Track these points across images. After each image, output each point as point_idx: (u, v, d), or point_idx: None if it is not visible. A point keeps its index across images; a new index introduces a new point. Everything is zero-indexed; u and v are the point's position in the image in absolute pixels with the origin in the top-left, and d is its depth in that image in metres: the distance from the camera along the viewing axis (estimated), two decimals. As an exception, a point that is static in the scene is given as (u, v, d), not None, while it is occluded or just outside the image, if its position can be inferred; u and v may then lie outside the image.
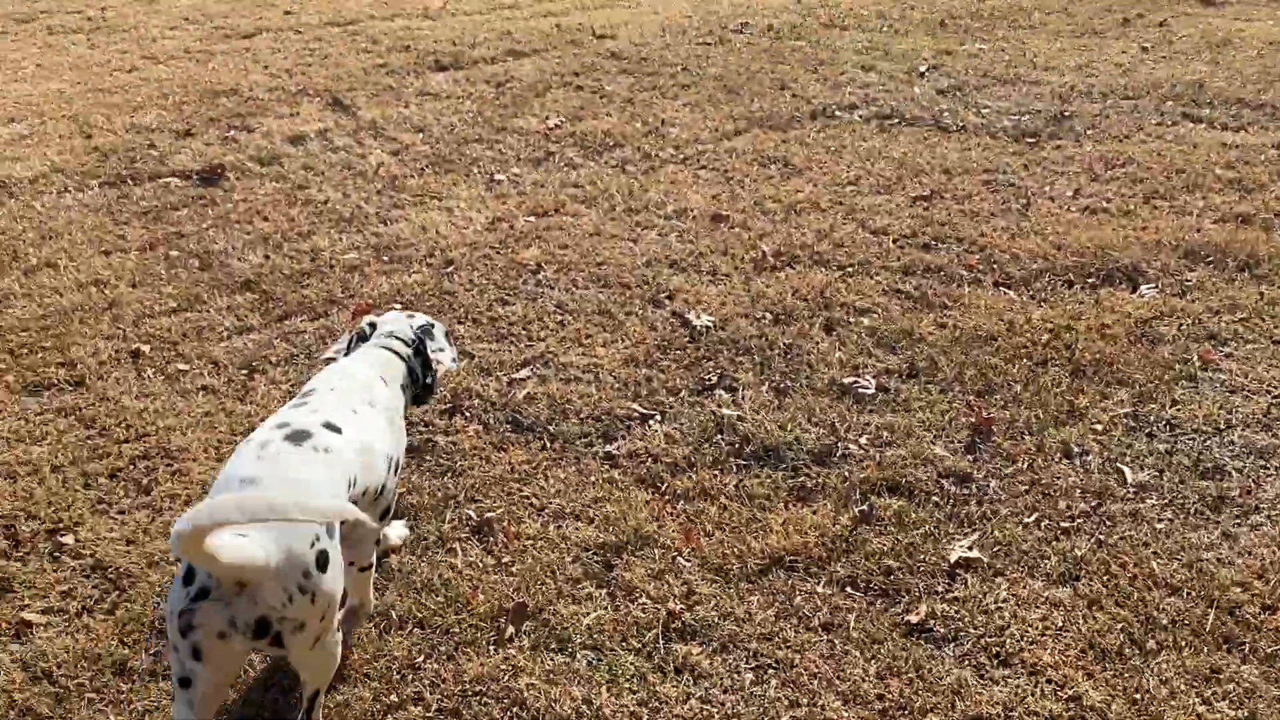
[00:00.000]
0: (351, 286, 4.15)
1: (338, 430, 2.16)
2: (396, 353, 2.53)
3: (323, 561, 1.92)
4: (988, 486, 2.83)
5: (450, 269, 4.28)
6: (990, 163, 4.92)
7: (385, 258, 4.39)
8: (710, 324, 3.72)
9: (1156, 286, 3.77)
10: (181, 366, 3.58)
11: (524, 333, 3.74)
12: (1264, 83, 5.60)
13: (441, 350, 2.64)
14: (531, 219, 4.67)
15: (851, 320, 3.70)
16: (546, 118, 5.97)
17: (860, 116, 5.65)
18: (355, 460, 2.15)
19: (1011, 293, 3.83)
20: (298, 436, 2.09)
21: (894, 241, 4.26)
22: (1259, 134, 5.00)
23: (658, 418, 3.20)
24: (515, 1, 8.66)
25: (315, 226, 4.72)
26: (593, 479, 2.93)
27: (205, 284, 4.17)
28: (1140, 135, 5.11)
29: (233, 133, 5.97)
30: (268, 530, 1.83)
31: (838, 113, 5.73)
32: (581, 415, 3.23)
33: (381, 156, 5.53)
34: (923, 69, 6.30)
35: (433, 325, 2.68)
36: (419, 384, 2.58)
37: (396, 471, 2.37)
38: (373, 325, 2.62)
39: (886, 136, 5.36)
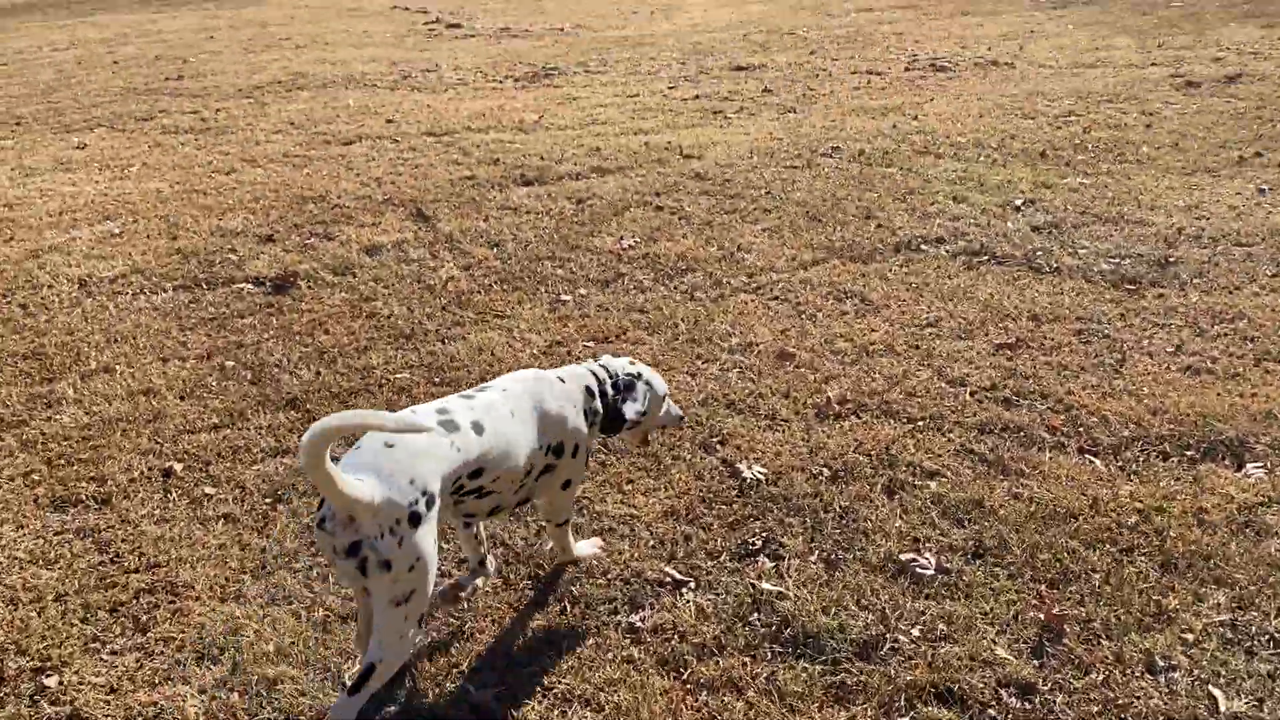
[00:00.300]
0: (396, 409, 4.03)
1: (470, 426, 2.47)
2: (593, 373, 2.89)
3: (415, 518, 2.25)
4: (1054, 702, 2.47)
5: (499, 396, 4.13)
6: (1084, 310, 4.58)
7: (436, 379, 4.27)
8: (762, 476, 3.46)
9: (1265, 466, 3.36)
10: (208, 490, 3.47)
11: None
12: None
13: (631, 402, 2.88)
14: (590, 344, 4.51)
15: (917, 483, 3.39)
16: (621, 237, 5.87)
17: (947, 251, 5.39)
18: (473, 448, 2.46)
19: (1098, 462, 3.47)
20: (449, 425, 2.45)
21: (971, 394, 3.95)
22: (1389, 292, 4.57)
23: (691, 585, 2.94)
24: (609, 118, 8.71)
25: (373, 342, 4.64)
26: (610, 655, 2.67)
27: (252, 399, 4.10)
28: (1253, 287, 4.71)
29: (313, 240, 6.02)
30: (379, 480, 2.22)
31: (923, 246, 5.47)
32: (610, 576, 2.99)
33: (453, 270, 5.48)
34: (1018, 203, 6.02)
35: (636, 380, 2.92)
36: (605, 414, 2.86)
37: (555, 455, 2.71)
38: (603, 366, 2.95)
39: (973, 275, 5.07)
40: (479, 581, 2.96)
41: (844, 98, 8.95)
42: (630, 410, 2.86)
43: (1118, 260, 5.08)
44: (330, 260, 5.67)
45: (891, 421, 3.78)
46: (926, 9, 13.55)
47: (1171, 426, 3.62)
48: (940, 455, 3.54)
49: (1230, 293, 4.68)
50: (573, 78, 10.68)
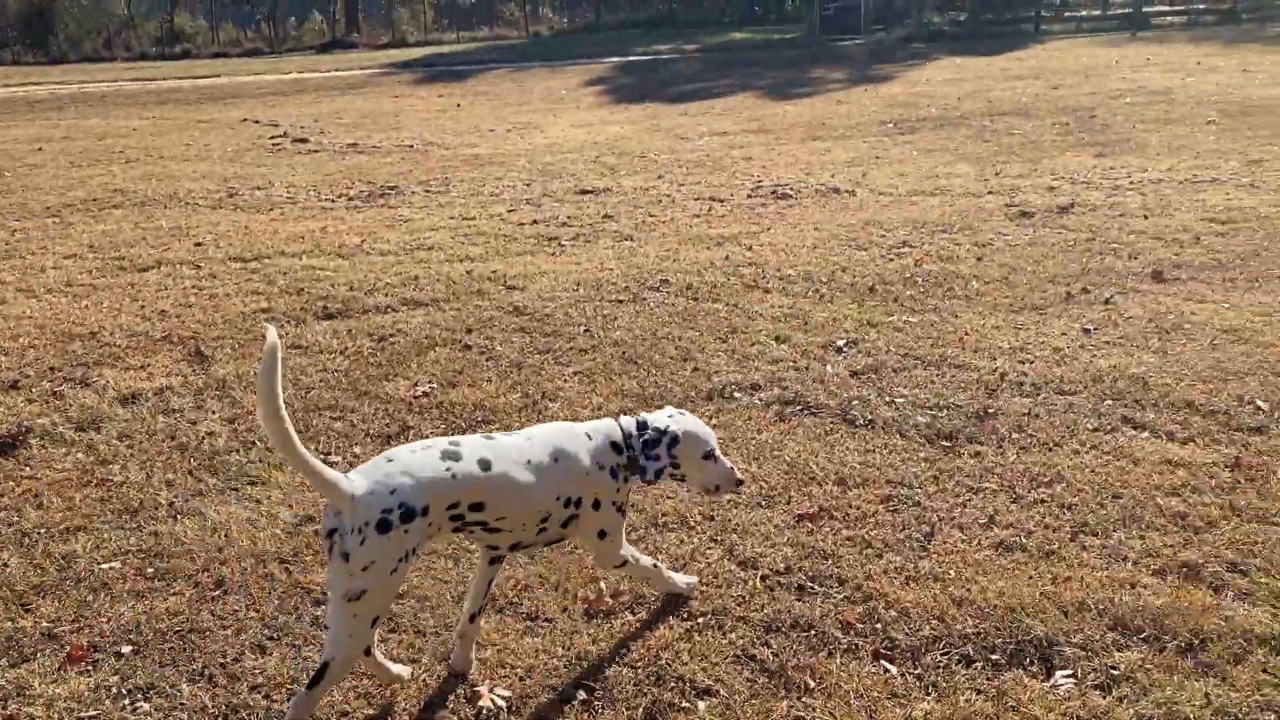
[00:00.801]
0: (84, 616, 3.34)
1: (475, 461, 2.66)
2: (621, 427, 2.96)
3: (383, 525, 2.45)
4: None
5: (219, 592, 3.48)
6: (895, 471, 4.21)
7: (149, 570, 3.61)
8: (504, 703, 2.89)
9: (1074, 675, 2.95)
10: None
11: (284, 694, 2.91)
12: (1215, 381, 4.97)
13: (651, 460, 2.91)
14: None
15: (685, 705, 2.87)
16: (417, 382, 5.34)
17: (761, 400, 5.00)
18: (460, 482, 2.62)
19: (893, 669, 3.01)
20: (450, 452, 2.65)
21: (762, 579, 3.48)
22: (1208, 449, 4.32)
23: None
24: (437, 243, 8.26)
25: (90, 520, 3.96)
26: None
27: (-98, 604, 3.36)
28: (1073, 443, 4.42)
29: (65, 386, 5.33)
30: (365, 482, 2.49)
31: (737, 393, 5.08)
32: None
33: (214, 424, 4.84)
34: (841, 343, 5.72)
35: (660, 437, 2.93)
36: (633, 460, 2.92)
37: (573, 506, 2.83)
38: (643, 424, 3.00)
39: (784, 428, 4.68)
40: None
41: (683, 225, 8.70)
42: (651, 468, 2.92)
43: (935, 412, 4.76)
44: (76, 413, 4.97)
45: (670, 620, 3.27)
46: (779, 134, 13.66)
47: (976, 622, 3.20)
48: (717, 665, 3.04)
49: (1049, 450, 4.38)
50: (411, 198, 10.24)
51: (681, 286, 6.88)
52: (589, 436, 2.90)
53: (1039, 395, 4.95)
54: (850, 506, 3.95)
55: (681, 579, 3.31)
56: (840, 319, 6.15)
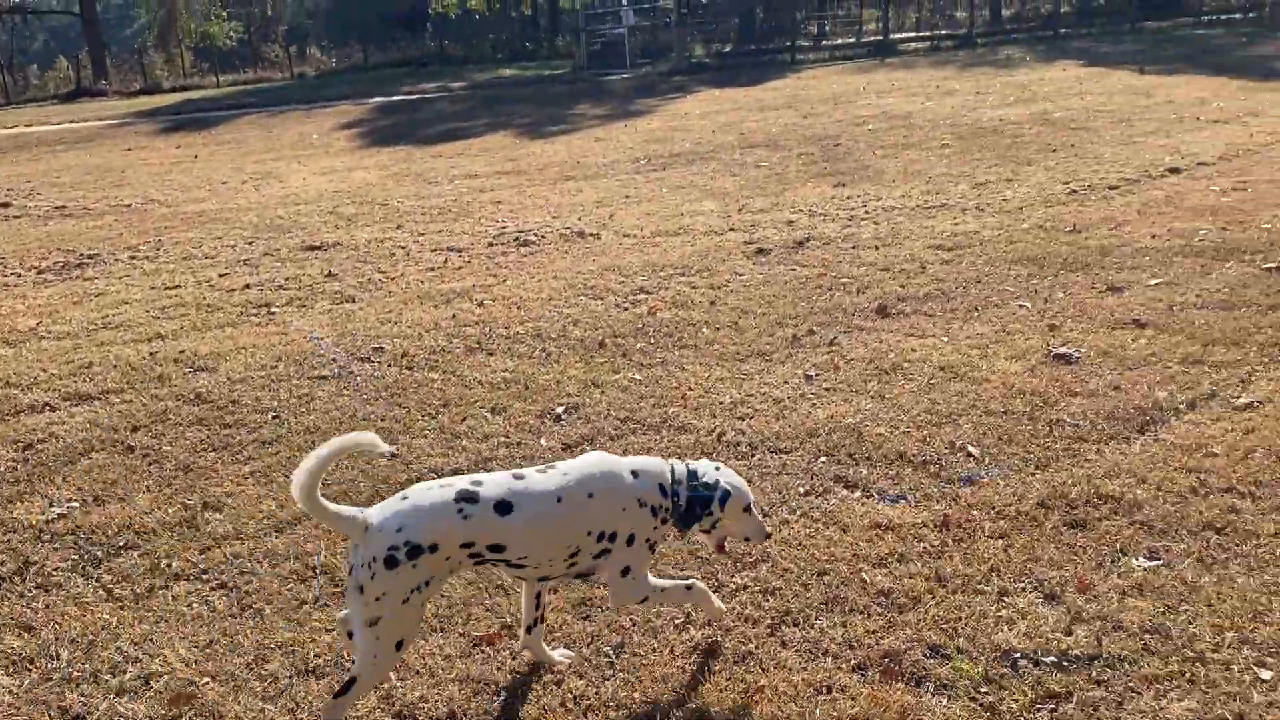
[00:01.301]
0: None
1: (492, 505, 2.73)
2: (672, 470, 2.99)
3: (390, 562, 2.61)
4: None
5: None
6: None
7: None
8: None
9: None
10: None
11: None
12: (929, 427, 4.83)
13: (708, 514, 3.00)
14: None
15: None
16: (55, 501, 4.51)
17: (460, 489, 4.47)
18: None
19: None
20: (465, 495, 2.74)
21: (418, 733, 2.94)
22: (919, 507, 4.11)
23: None
24: (126, 320, 7.32)
25: None
26: None
27: None
28: (784, 510, 4.13)
29: None
30: (384, 515, 2.67)
31: (434, 484, 4.53)
32: None
33: None
34: (560, 410, 5.28)
35: (713, 490, 2.99)
36: (679, 510, 2.96)
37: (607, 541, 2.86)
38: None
39: (480, 523, 4.17)
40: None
41: (413, 282, 8.11)
42: (700, 523, 3.00)
43: (644, 488, 4.37)
44: None
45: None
46: (532, 175, 13.27)
47: (653, 762, 2.78)
48: None
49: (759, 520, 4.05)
50: (112, 267, 9.17)
51: (397, 354, 6.28)
52: (634, 475, 2.92)
53: (754, 456, 4.65)
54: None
55: (716, 600, 3.27)
56: (564, 381, 5.71)
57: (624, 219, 10.11)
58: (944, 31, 37.42)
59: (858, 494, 4.26)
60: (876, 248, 8.33)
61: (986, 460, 4.48)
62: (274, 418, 5.39)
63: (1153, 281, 6.85)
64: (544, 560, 2.81)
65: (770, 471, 4.49)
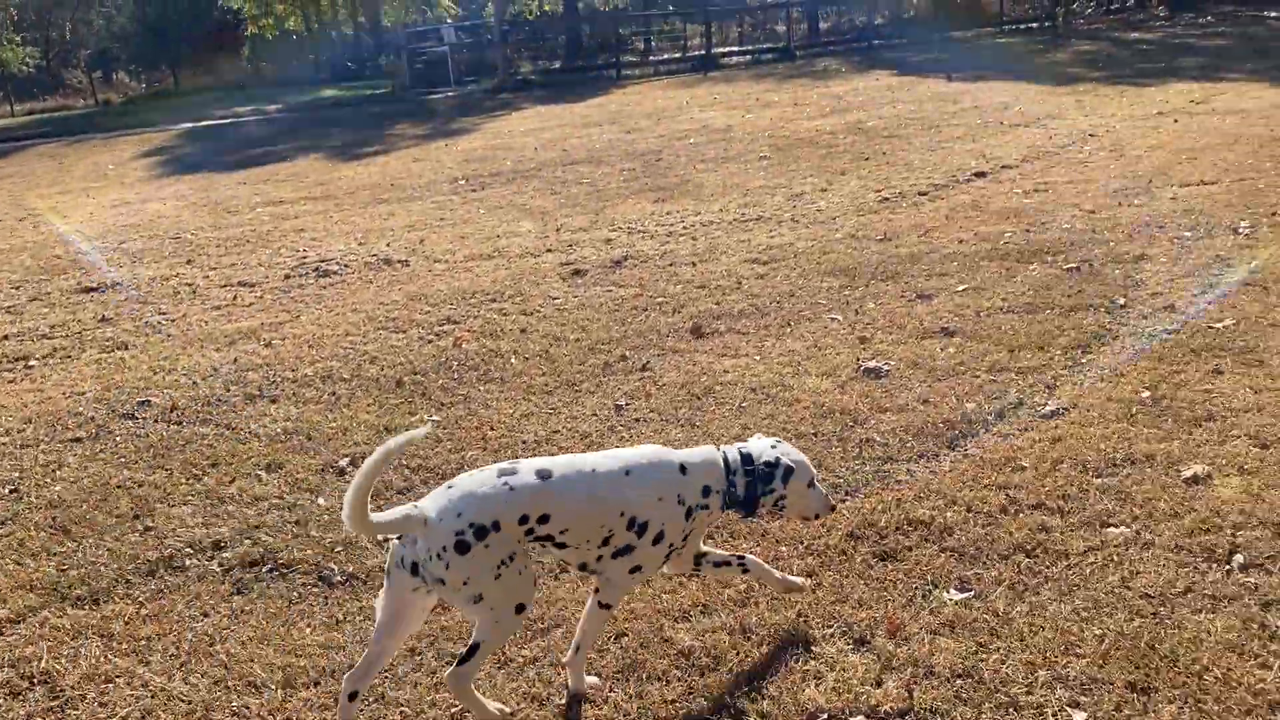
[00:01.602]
0: None
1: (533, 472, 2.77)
2: (726, 461, 2.97)
3: (461, 546, 2.60)
4: None
5: None
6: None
7: None
8: None
9: None
10: None
11: None
12: (739, 454, 4.59)
13: (770, 493, 2.99)
14: None
15: None
16: None
17: (220, 565, 3.95)
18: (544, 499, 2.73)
19: None
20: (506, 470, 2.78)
21: None
22: (723, 549, 3.83)
23: None
24: None
25: None
26: None
27: None
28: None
29: None
30: (440, 505, 2.65)
31: (190, 560, 3.99)
32: None
33: None
34: (344, 462, 4.79)
35: (773, 468, 2.98)
36: (736, 496, 2.97)
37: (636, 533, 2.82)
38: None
39: (239, 605, 3.66)
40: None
41: (196, 322, 7.41)
42: (767, 501, 3.00)
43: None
44: None
45: None
46: (341, 199, 12.59)
47: None
48: None
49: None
50: None
51: (165, 408, 5.64)
52: (682, 469, 2.90)
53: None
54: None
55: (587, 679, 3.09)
56: (352, 428, 5.22)
57: (436, 243, 9.62)
58: (765, 45, 38.26)
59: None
60: (694, 264, 8.13)
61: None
62: (12, 490, 4.70)
63: (960, 288, 6.86)
64: (582, 539, 2.79)
65: (571, 518, 4.14)
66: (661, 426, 5.00)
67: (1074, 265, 7.13)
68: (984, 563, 3.59)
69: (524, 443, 4.91)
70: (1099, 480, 4.09)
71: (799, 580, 3.41)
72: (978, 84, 20.35)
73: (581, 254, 8.71)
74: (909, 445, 4.58)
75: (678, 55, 37.22)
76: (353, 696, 2.81)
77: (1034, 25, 38.08)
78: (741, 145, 14.59)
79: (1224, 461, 4.13)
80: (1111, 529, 3.72)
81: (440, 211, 11.33)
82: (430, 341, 6.59)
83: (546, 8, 52.45)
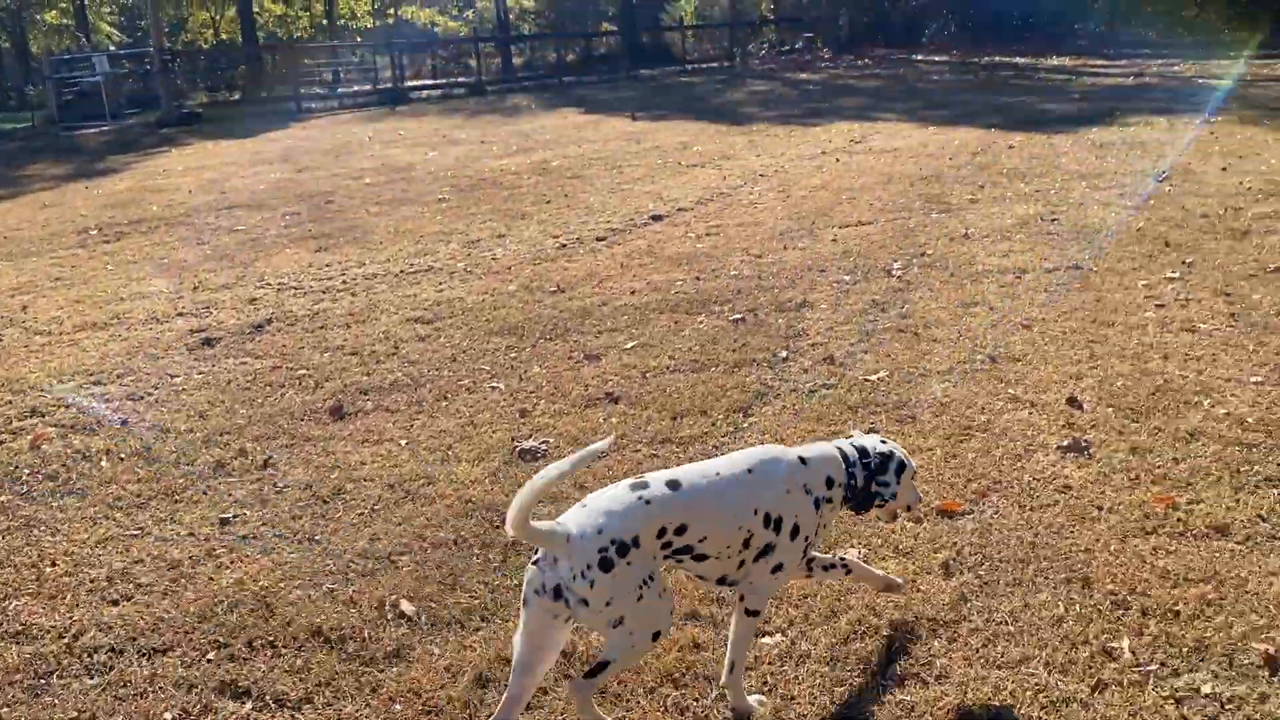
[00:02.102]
0: None
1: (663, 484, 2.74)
2: (844, 455, 3.01)
3: (605, 564, 2.55)
4: None
5: None
6: None
7: None
8: None
9: None
10: None
11: None
12: (361, 578, 3.86)
13: (885, 485, 3.03)
14: None
15: None
16: None
17: None
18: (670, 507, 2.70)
19: None
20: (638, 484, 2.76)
21: None
22: (325, 712, 3.10)
23: None
24: None
25: None
26: None
27: None
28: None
29: None
30: (579, 522, 2.61)
31: None
32: None
33: None
34: None
35: (888, 460, 3.05)
36: (856, 491, 3.01)
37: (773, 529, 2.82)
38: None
39: None
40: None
41: None
42: (886, 492, 3.03)
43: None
44: None
45: None
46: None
47: None
48: None
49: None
50: None
51: None
52: (802, 461, 2.93)
53: (113, 669, 3.38)
54: None
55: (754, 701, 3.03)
56: None
57: (43, 309, 8.17)
58: (458, 79, 37.70)
59: (249, 707, 3.16)
60: (348, 325, 7.31)
61: (424, 620, 3.59)
62: None
63: (629, 345, 6.50)
64: (722, 546, 2.76)
65: (132, 690, 3.25)
66: (273, 545, 4.17)
67: (740, 315, 6.98)
68: (626, 702, 3.08)
69: (92, 581, 3.92)
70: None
71: (898, 579, 3.43)
72: (660, 123, 20.77)
73: (218, 318, 7.64)
74: (559, 546, 4.04)
75: (368, 88, 35.83)
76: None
77: (715, 65, 40.01)
78: (421, 186, 13.84)
79: (879, 543, 3.90)
80: (765, 638, 3.34)
81: (58, 269, 9.75)
82: (1, 443, 5.37)
83: (225, 35, 49.26)
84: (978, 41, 37.52)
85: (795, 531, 2.85)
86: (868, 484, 3.01)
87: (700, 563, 2.77)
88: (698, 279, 8.09)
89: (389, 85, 34.61)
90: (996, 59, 32.63)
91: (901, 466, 3.08)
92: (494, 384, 5.95)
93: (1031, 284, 7.34)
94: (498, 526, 4.22)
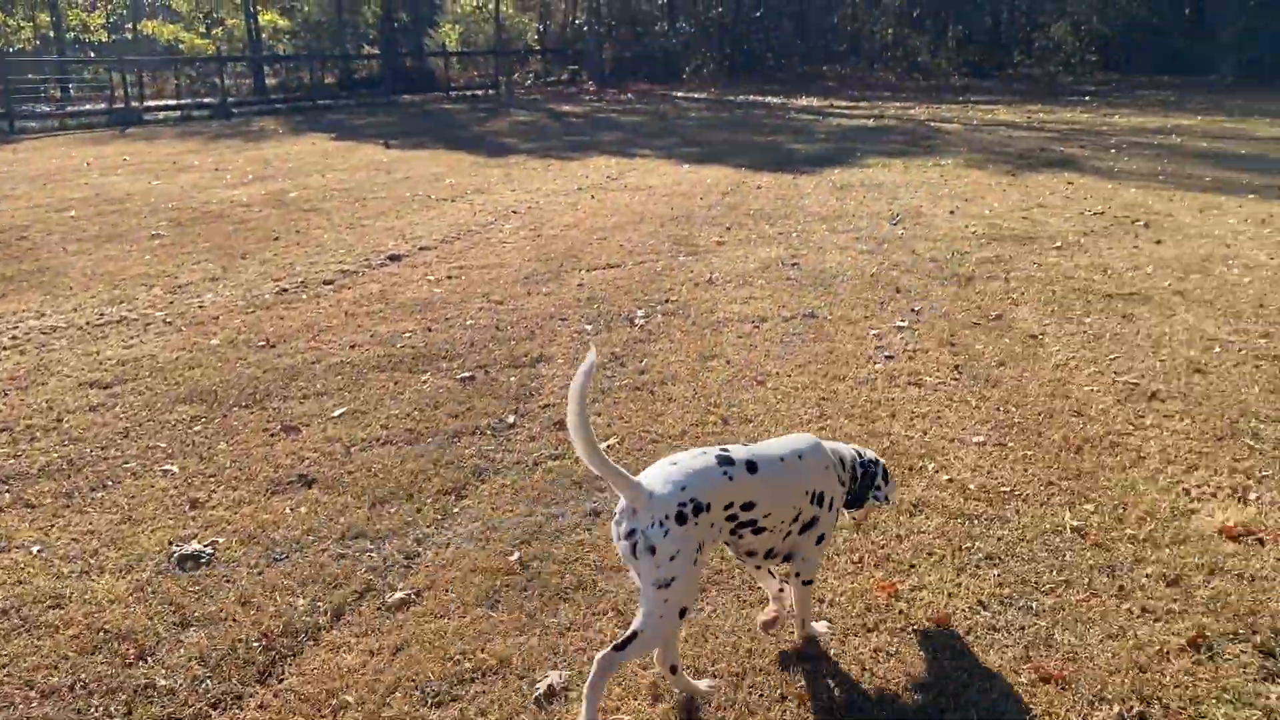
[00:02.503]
0: None
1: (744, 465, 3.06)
2: (858, 453, 3.48)
3: (680, 518, 2.85)
4: None
5: None
6: None
7: None
8: None
9: None
10: None
11: None
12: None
13: (878, 489, 3.49)
14: None
15: None
16: None
17: None
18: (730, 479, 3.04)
19: None
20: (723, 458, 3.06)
21: None
22: None
23: None
24: None
25: None
26: None
27: None
28: None
29: None
30: (664, 478, 2.92)
31: None
32: None
33: None
34: None
35: (876, 466, 3.50)
36: (855, 487, 3.43)
37: (818, 504, 3.25)
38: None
39: None
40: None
41: None
42: (880, 493, 3.48)
43: None
44: None
45: None
46: None
47: None
48: None
49: None
50: None
51: None
52: (833, 451, 3.35)
53: None
54: None
55: (822, 625, 3.58)
56: None
57: None
58: (204, 100, 35.23)
59: None
60: (4, 394, 6.20)
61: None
62: None
63: (338, 412, 5.80)
64: (778, 522, 3.11)
65: None
66: None
67: (469, 373, 6.43)
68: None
69: None
70: (436, 715, 3.16)
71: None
72: (416, 152, 20.00)
73: None
74: (204, 687, 3.33)
75: (102, 106, 32.82)
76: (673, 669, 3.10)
77: (480, 93, 39.42)
78: (135, 220, 12.47)
79: (585, 662, 3.43)
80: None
81: None
82: None
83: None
84: (734, 80, 38.86)
85: (831, 505, 3.29)
86: (866, 481, 3.43)
87: (757, 536, 3.11)
88: (429, 330, 7.48)
89: (120, 106, 31.83)
90: (751, 97, 33.84)
91: (887, 473, 3.52)
92: (167, 466, 5.10)
93: (769, 334, 7.20)
94: (130, 664, 3.45)
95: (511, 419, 5.67)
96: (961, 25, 45.63)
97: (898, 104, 29.91)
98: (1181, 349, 6.60)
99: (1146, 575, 3.89)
